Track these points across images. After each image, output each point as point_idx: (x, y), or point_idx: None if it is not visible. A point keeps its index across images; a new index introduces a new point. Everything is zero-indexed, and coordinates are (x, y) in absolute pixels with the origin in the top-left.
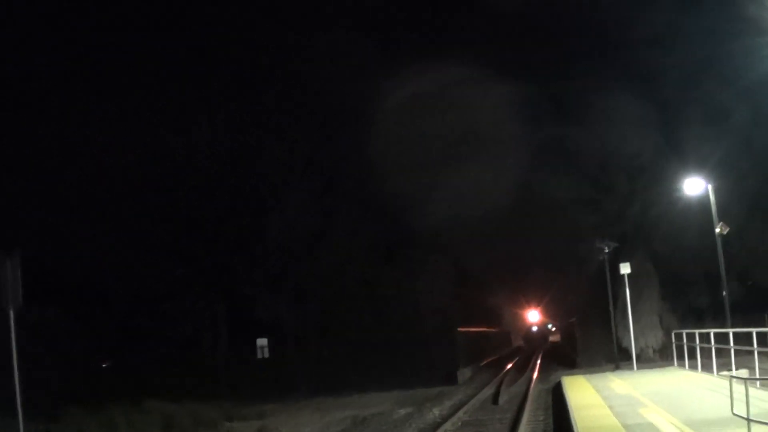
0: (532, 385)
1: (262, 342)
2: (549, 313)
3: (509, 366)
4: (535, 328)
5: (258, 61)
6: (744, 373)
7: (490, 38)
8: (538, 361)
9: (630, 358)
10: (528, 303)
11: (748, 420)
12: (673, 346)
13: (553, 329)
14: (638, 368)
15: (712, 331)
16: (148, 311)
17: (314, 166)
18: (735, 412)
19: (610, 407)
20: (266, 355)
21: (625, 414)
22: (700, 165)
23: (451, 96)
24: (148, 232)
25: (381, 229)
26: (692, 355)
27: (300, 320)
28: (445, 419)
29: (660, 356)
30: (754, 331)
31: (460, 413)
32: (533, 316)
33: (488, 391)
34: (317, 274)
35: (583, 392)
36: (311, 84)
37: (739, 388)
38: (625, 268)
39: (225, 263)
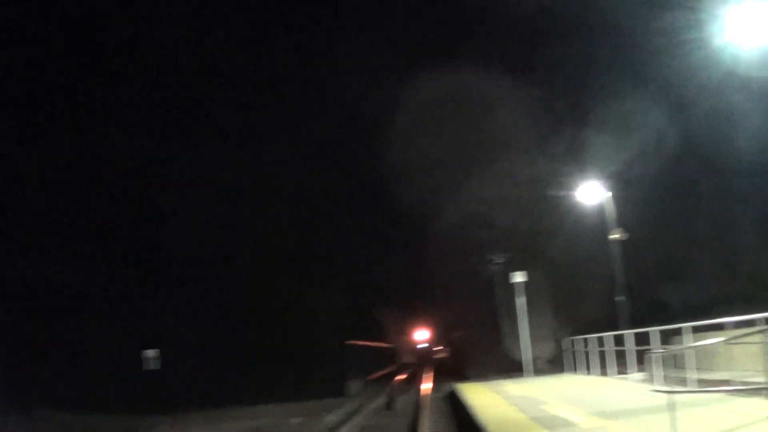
0: (425, 394)
1: (152, 353)
2: (437, 328)
3: (399, 378)
4: (423, 345)
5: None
6: (641, 376)
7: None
8: (428, 375)
9: (520, 369)
10: (416, 319)
11: (670, 392)
12: (566, 352)
13: (440, 347)
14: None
15: (604, 335)
16: (42, 321)
17: (218, 177)
18: (655, 388)
19: (514, 405)
20: (157, 366)
21: (530, 410)
22: (601, 173)
23: None
24: (42, 238)
25: (280, 241)
26: (585, 364)
27: (191, 331)
28: (341, 424)
29: (551, 366)
30: (650, 330)
31: (357, 419)
32: (421, 332)
33: (382, 400)
34: (211, 285)
35: (481, 395)
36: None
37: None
38: (516, 277)
39: (118, 272)
